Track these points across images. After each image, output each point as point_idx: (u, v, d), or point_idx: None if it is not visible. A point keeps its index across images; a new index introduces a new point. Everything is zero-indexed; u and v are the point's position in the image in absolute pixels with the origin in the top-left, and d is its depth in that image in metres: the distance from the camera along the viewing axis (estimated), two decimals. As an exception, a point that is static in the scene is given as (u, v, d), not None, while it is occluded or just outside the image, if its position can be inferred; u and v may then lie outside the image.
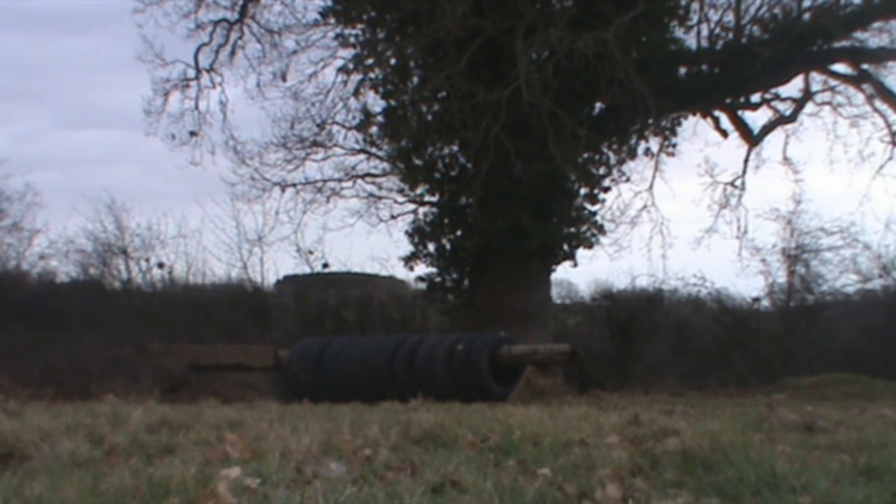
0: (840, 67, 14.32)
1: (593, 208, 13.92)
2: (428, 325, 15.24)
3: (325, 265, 16.09)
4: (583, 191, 13.88)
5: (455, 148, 13.72)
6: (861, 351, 14.84)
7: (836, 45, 13.75)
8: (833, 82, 14.70)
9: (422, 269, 14.19)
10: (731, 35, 14.16)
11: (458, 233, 13.68)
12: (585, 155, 13.48)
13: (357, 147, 15.23)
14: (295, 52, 14.74)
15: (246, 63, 14.92)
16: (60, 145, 33.12)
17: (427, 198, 14.40)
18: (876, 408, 6.69)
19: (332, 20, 14.28)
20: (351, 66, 14.32)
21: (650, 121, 13.44)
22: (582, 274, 34.39)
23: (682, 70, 14.14)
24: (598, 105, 13.62)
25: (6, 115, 32.82)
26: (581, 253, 13.81)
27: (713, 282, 16.19)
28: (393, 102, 14.25)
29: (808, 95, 14.76)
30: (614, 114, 13.08)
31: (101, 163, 32.16)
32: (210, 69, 14.90)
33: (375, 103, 14.63)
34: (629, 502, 2.61)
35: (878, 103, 14.30)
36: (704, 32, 14.25)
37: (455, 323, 13.95)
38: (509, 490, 2.64)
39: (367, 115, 14.68)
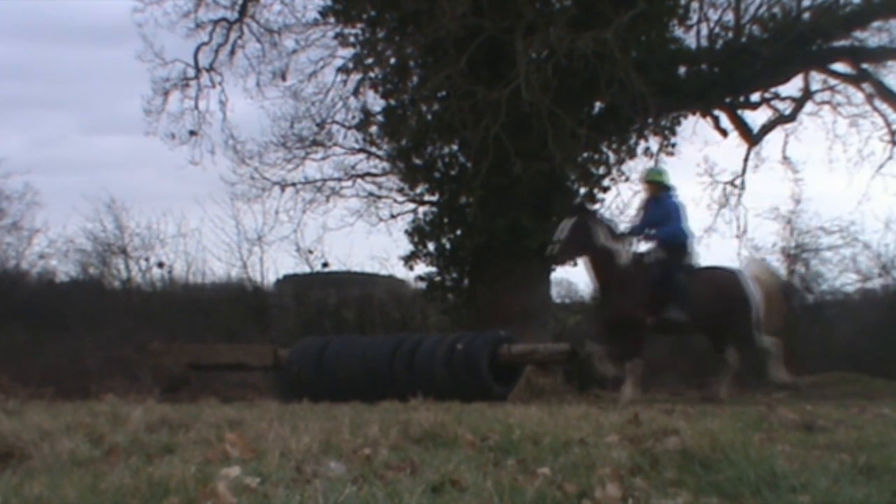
0: (840, 67, 14.32)
1: (593, 208, 13.93)
2: (428, 325, 15.22)
3: (325, 264, 16.10)
4: (582, 190, 13.89)
5: (455, 147, 13.72)
6: (861, 350, 14.83)
7: (836, 44, 13.76)
8: (833, 81, 14.71)
9: (421, 268, 14.21)
10: (730, 34, 14.17)
11: (458, 232, 13.67)
12: (585, 154, 13.49)
13: (357, 146, 15.25)
14: (295, 51, 14.76)
15: (246, 62, 14.93)
16: (77, 149, 33.22)
17: (427, 197, 14.40)
18: (876, 407, 6.69)
19: (332, 19, 14.28)
20: (351, 65, 14.32)
21: (650, 120, 13.45)
22: (581, 273, 34.34)
23: (682, 69, 14.13)
24: (598, 104, 13.62)
25: (29, 121, 32.99)
26: (581, 252, 13.81)
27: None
28: (393, 102, 14.25)
29: (807, 95, 14.76)
30: (614, 113, 13.09)
31: (112, 166, 32.22)
32: (210, 68, 14.91)
33: (375, 103, 14.65)
34: (629, 501, 2.61)
35: (878, 102, 14.31)
36: (704, 32, 14.26)
37: (455, 322, 13.94)
38: (509, 489, 2.64)
39: (367, 114, 14.68)
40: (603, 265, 9.44)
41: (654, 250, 9.63)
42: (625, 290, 9.32)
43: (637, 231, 9.84)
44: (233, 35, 14.71)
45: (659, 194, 9.77)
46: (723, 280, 9.88)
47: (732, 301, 9.64)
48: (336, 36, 14.39)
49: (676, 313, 9.37)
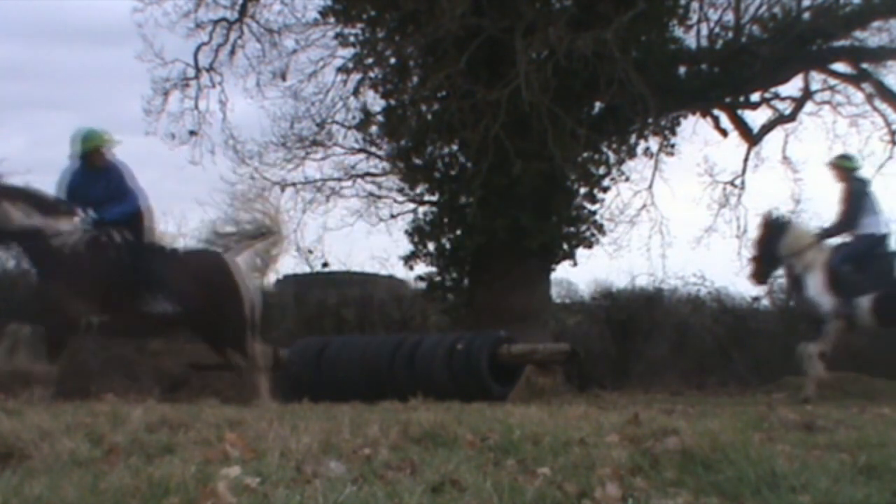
0: (840, 66, 14.31)
1: (593, 208, 13.94)
2: (428, 325, 15.23)
3: (325, 264, 16.07)
4: (582, 190, 13.88)
5: (455, 147, 13.72)
6: (861, 350, 14.82)
7: (836, 44, 13.75)
8: (833, 81, 14.69)
9: (421, 268, 14.20)
10: (730, 34, 14.16)
11: (458, 232, 13.67)
12: (585, 154, 13.48)
13: (357, 146, 15.23)
14: (295, 51, 14.75)
15: (246, 62, 14.93)
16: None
17: (427, 197, 14.41)
18: (876, 407, 6.70)
19: (332, 19, 14.28)
20: (350, 65, 14.32)
21: (650, 120, 13.43)
22: (581, 273, 34.33)
23: (682, 69, 14.13)
24: (598, 104, 13.63)
25: (30, 121, 33.08)
26: (581, 252, 13.83)
27: (713, 281, 16.19)
28: (392, 102, 14.25)
29: (807, 95, 14.75)
30: (614, 113, 13.09)
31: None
32: (210, 68, 14.90)
33: (375, 103, 14.65)
34: (629, 501, 2.61)
35: (878, 102, 14.29)
36: (704, 32, 14.25)
37: (455, 322, 13.95)
38: (509, 489, 2.64)
39: (367, 114, 14.68)
40: (33, 249, 7.36)
41: (109, 229, 7.69)
42: (62, 278, 7.33)
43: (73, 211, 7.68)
44: (233, 35, 14.72)
45: (98, 160, 7.66)
46: (208, 266, 8.22)
47: (221, 293, 8.08)
48: (336, 36, 14.40)
49: (162, 304, 7.66)
